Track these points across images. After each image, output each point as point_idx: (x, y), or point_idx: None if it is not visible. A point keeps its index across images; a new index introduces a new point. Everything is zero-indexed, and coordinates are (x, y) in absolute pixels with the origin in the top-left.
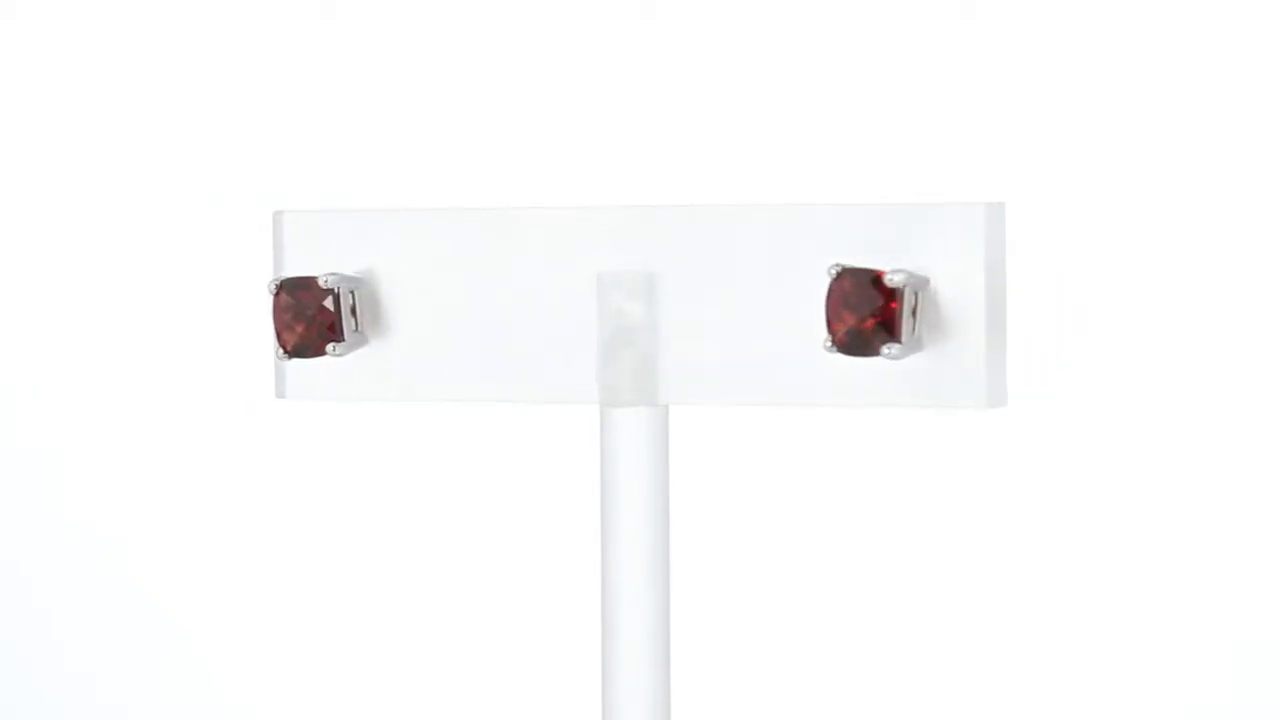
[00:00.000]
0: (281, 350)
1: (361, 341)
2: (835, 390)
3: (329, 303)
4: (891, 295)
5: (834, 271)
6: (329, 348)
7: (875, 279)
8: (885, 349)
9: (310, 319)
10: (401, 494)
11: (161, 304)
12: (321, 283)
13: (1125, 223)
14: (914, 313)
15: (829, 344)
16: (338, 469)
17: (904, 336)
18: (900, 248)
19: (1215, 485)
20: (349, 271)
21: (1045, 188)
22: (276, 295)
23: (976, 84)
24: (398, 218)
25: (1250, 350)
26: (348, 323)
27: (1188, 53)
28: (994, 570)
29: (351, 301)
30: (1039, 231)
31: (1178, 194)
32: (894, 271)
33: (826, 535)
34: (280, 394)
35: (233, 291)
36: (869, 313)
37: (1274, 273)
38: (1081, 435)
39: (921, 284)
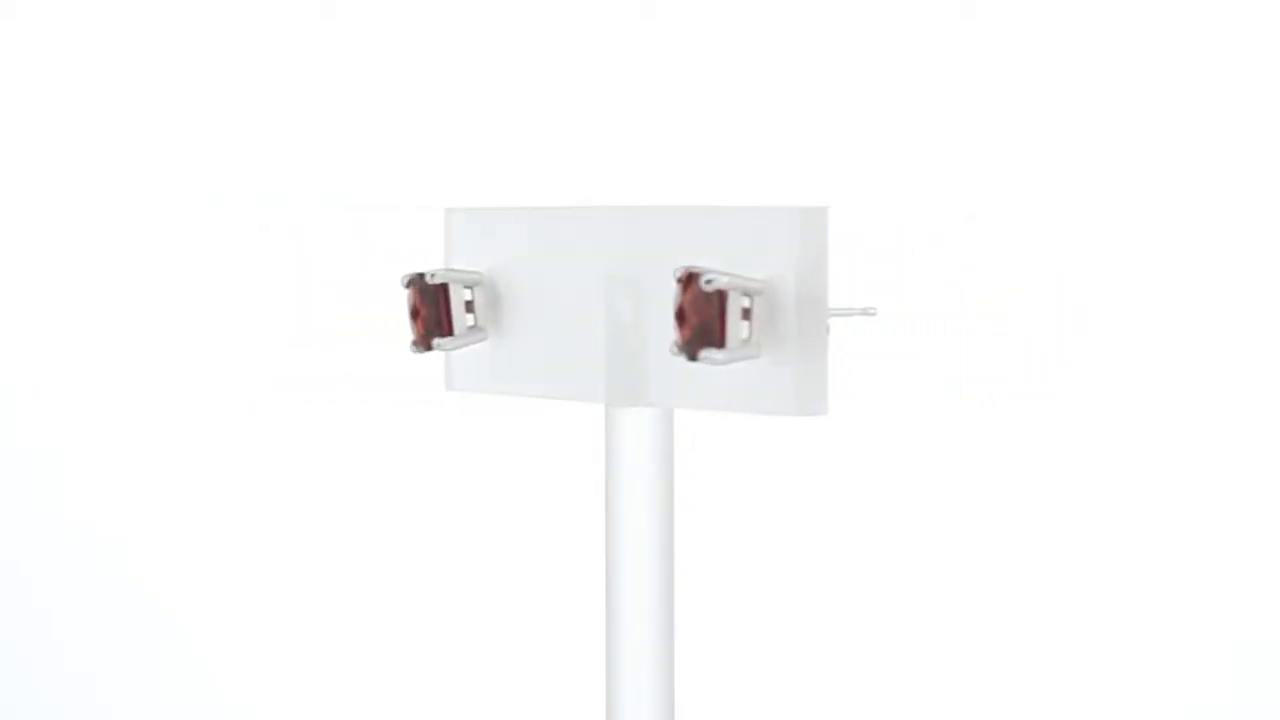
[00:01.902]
0: (412, 343)
1: (479, 337)
2: (675, 391)
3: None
4: (721, 300)
5: (679, 274)
6: (434, 342)
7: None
8: (704, 354)
9: (425, 314)
10: (403, 492)
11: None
12: (428, 278)
13: (1110, 225)
14: (747, 318)
15: (673, 348)
16: (340, 467)
17: (730, 342)
18: (764, 252)
19: (1197, 485)
20: (479, 267)
21: (1045, 192)
22: (408, 289)
23: (974, 87)
24: (550, 215)
25: (1228, 350)
26: (460, 318)
27: (1175, 52)
28: (996, 571)
29: (469, 297)
30: (1038, 235)
31: (1158, 196)
32: (711, 275)
33: (833, 536)
34: (450, 385)
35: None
36: (698, 317)
37: (1255, 274)
38: (1077, 435)
39: (756, 289)
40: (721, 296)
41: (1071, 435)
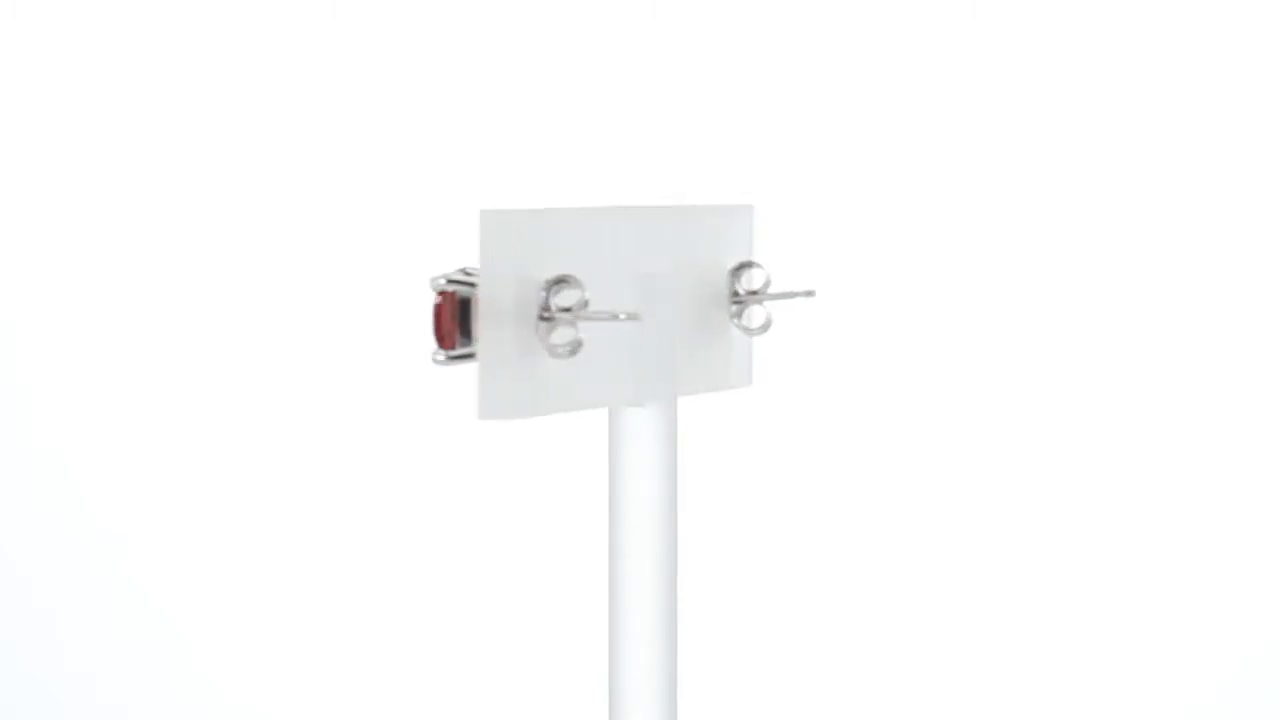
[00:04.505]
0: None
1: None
2: None
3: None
4: (452, 301)
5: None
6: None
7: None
8: (434, 354)
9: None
10: (404, 490)
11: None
12: (434, 287)
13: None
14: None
15: None
16: (343, 464)
17: (454, 342)
18: None
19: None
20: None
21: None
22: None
23: (973, 89)
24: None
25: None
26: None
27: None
28: (993, 569)
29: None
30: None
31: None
32: (443, 277)
33: (834, 530)
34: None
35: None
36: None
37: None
38: (1074, 433)
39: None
40: (450, 297)
41: (1069, 433)
